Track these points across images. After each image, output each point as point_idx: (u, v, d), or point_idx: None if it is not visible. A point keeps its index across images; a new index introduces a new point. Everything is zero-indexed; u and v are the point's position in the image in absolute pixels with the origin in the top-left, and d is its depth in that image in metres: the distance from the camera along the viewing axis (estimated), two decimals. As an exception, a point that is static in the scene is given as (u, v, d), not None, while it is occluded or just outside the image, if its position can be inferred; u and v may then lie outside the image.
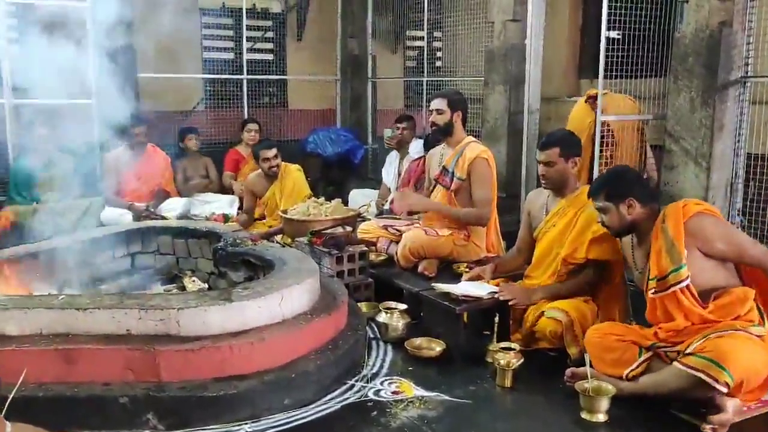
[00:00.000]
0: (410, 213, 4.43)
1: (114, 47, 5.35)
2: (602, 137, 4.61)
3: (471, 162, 4.11)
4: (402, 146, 6.08)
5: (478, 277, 3.67)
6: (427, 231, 4.15)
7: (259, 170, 5.48)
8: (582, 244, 3.33)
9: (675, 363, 2.68)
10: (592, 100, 4.70)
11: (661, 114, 4.64)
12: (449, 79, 7.10)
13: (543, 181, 3.49)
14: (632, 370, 2.84)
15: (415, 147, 5.81)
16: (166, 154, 6.22)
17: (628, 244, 3.10)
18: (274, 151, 5.32)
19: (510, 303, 3.36)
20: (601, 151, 4.62)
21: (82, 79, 5.46)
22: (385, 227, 4.50)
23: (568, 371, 2.96)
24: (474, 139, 4.34)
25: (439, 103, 4.22)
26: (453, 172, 4.19)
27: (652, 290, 2.87)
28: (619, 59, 4.51)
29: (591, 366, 2.87)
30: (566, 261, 3.39)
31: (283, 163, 5.49)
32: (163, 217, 5.62)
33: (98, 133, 5.83)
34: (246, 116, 7.46)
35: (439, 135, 4.32)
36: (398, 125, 6.03)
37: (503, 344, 3.22)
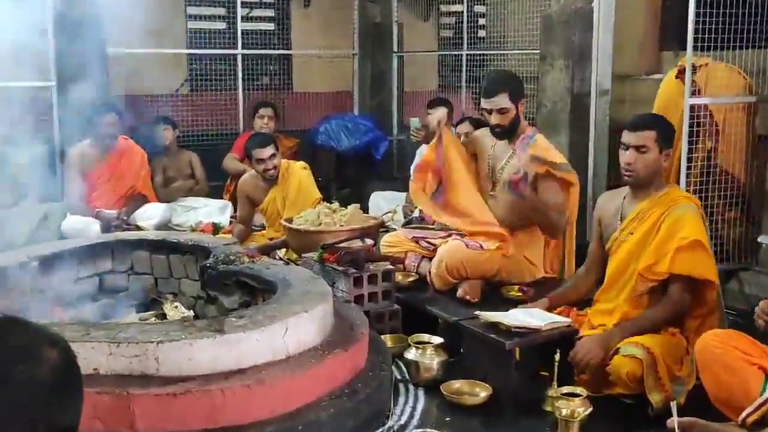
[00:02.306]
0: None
1: (78, 17, 5.43)
2: (698, 123, 4.54)
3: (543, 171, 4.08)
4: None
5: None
6: (468, 243, 4.14)
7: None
8: (665, 255, 3.30)
9: None
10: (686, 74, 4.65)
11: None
12: (495, 52, 7.09)
13: (627, 173, 3.44)
14: (750, 414, 2.68)
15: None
16: (142, 150, 6.28)
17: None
18: (269, 150, 5.24)
19: (586, 361, 3.25)
20: (696, 142, 4.55)
21: (38, 57, 5.55)
22: (415, 239, 4.50)
23: (669, 422, 2.69)
24: (532, 128, 4.35)
25: (500, 100, 4.17)
26: (525, 173, 4.11)
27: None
28: (714, 25, 4.45)
29: (679, 415, 2.82)
30: (643, 276, 3.36)
31: (285, 160, 5.50)
32: (139, 228, 5.67)
33: (58, 124, 5.91)
34: (242, 99, 7.51)
35: (504, 137, 4.29)
36: (430, 112, 6.03)
37: (566, 389, 3.19)
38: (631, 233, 3.46)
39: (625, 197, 3.56)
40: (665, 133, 3.44)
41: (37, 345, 1.36)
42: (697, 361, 2.89)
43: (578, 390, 3.18)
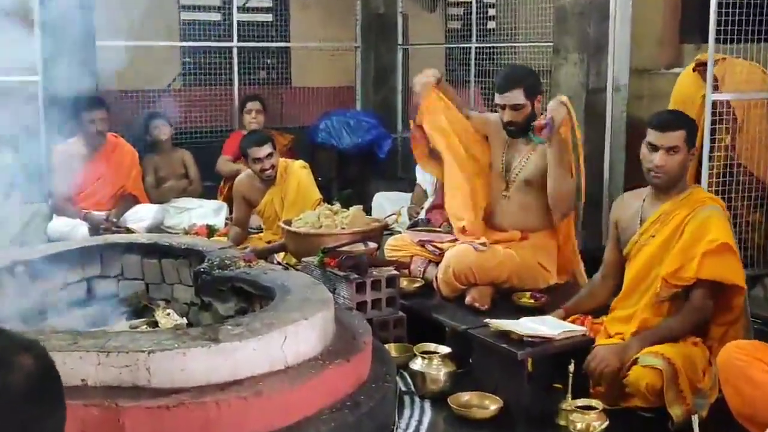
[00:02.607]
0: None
1: (65, 8, 5.43)
2: (720, 118, 4.53)
3: None
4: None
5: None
6: (476, 247, 4.13)
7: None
8: (691, 260, 3.29)
9: None
10: (703, 68, 4.64)
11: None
12: (506, 45, 7.08)
13: (657, 175, 3.42)
14: None
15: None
16: (132, 148, 6.29)
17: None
18: (266, 149, 5.23)
19: (600, 370, 3.24)
20: (715, 140, 4.55)
21: (24, 50, 5.56)
22: (422, 243, 4.49)
23: None
24: None
25: (515, 96, 4.17)
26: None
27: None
28: (738, 16, 4.44)
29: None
30: (668, 282, 3.34)
31: (284, 159, 5.50)
32: (129, 230, 5.68)
33: (45, 120, 5.92)
34: (237, 94, 7.52)
35: (519, 134, 4.28)
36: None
37: (581, 401, 3.18)
38: (653, 236, 3.45)
39: (645, 199, 3.55)
40: (692, 131, 3.46)
41: (9, 352, 1.35)
42: (720, 374, 2.88)
43: (594, 403, 3.17)
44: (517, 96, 4.17)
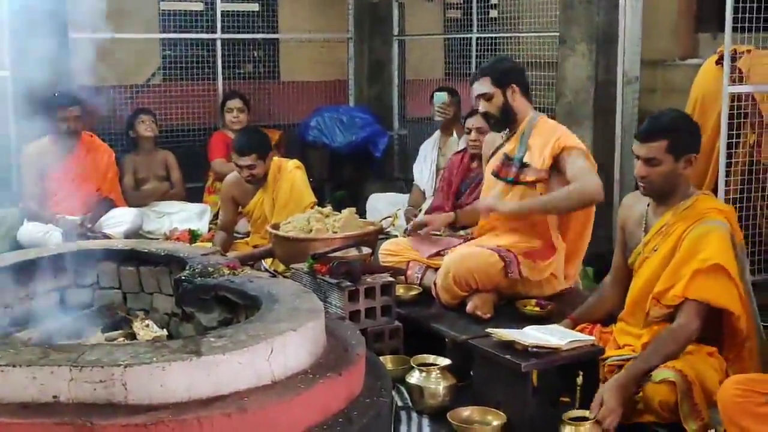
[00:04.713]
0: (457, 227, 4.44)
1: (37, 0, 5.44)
2: (741, 114, 4.53)
3: (555, 152, 4.10)
4: (446, 129, 6.11)
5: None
6: (500, 253, 4.13)
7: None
8: (681, 279, 3.30)
9: None
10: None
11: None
12: (509, 35, 7.10)
13: (642, 185, 3.48)
14: None
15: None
16: (109, 147, 6.29)
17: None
18: (246, 161, 5.18)
19: (610, 425, 3.20)
20: (737, 134, 4.55)
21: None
22: (433, 256, 4.48)
23: None
24: (542, 114, 4.40)
25: (480, 87, 4.29)
26: (522, 160, 4.18)
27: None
28: (756, 3, 4.46)
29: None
30: (658, 302, 3.37)
31: (277, 158, 5.48)
32: (106, 236, 5.68)
33: (14, 118, 5.92)
34: (221, 89, 7.52)
35: (500, 127, 4.37)
36: (438, 104, 6.08)
37: (576, 413, 3.17)
38: (655, 249, 3.47)
39: (649, 203, 3.57)
40: (680, 139, 3.40)
41: None
42: (722, 416, 2.88)
43: (587, 413, 3.16)
44: (482, 85, 4.27)
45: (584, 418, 3.13)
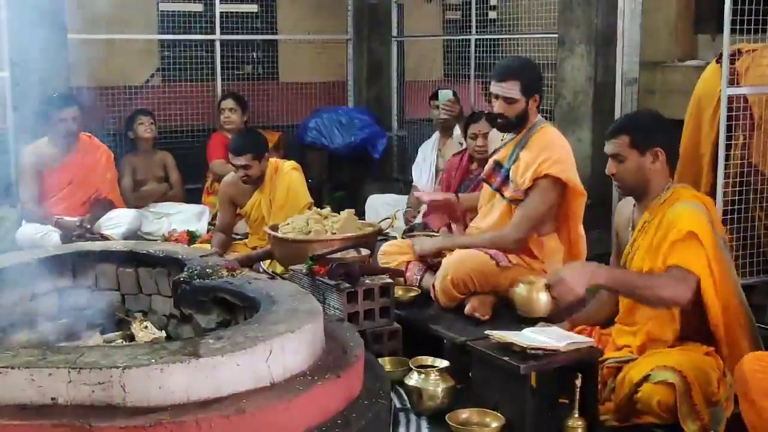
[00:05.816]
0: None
1: (36, 1, 5.44)
2: (736, 114, 4.53)
3: (538, 176, 4.09)
4: (446, 130, 6.10)
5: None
6: (493, 255, 4.14)
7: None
8: (662, 254, 3.35)
9: None
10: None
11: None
12: (508, 36, 7.11)
13: (615, 184, 3.59)
14: None
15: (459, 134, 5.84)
16: (107, 148, 6.29)
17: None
18: (242, 160, 5.19)
19: (565, 301, 3.40)
20: (730, 138, 4.55)
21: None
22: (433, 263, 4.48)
23: None
24: (546, 122, 4.35)
25: (509, 88, 4.16)
26: (508, 174, 4.19)
27: None
28: (756, 5, 4.45)
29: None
30: None
31: (274, 159, 5.49)
32: (104, 237, 5.67)
33: (13, 119, 5.92)
34: (220, 90, 7.52)
35: (507, 129, 4.31)
36: (436, 103, 6.06)
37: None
38: (639, 248, 3.51)
39: (635, 204, 3.63)
40: (641, 133, 3.47)
41: None
42: (736, 389, 2.88)
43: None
44: (512, 89, 4.15)
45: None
